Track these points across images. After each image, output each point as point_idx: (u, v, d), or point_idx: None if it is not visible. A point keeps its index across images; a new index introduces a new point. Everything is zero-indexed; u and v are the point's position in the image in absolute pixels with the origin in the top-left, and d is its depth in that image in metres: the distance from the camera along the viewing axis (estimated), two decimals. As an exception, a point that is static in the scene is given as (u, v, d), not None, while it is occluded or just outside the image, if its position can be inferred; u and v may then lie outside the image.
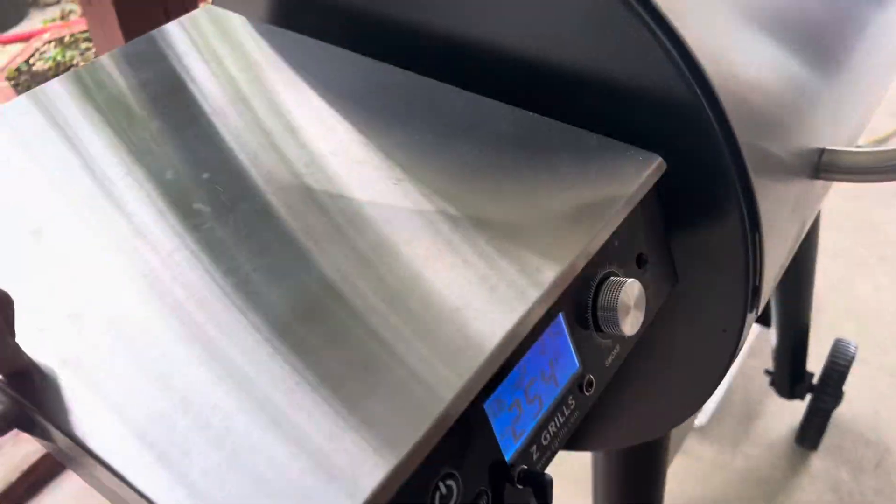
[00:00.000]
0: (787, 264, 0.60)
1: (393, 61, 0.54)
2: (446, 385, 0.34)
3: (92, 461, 0.34)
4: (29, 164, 0.49)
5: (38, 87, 0.56)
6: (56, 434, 0.36)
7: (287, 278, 0.40)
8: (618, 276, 0.44)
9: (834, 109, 0.61)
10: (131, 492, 0.32)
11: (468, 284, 0.39)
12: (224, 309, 0.38)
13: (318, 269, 0.40)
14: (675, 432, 0.93)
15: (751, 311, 0.54)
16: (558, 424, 0.42)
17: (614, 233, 0.43)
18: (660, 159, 0.46)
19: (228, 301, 0.39)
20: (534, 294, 0.38)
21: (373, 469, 0.31)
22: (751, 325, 0.56)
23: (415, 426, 0.33)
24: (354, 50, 0.56)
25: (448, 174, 0.46)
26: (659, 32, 0.46)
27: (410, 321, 0.37)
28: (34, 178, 0.48)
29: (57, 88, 0.55)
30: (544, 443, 0.41)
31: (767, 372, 1.44)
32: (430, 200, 0.44)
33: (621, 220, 0.43)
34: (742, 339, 0.56)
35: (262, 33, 0.59)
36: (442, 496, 0.35)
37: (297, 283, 0.39)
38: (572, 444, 0.70)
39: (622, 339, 0.46)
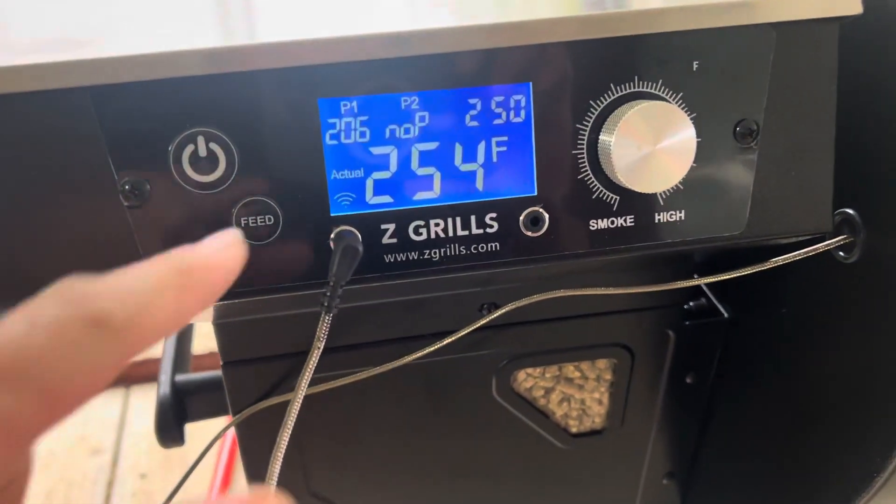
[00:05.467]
0: None
1: None
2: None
3: None
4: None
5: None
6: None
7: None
8: (656, 99, 0.28)
9: None
10: None
11: None
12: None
13: None
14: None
15: None
16: (455, 236, 0.28)
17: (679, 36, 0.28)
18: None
19: None
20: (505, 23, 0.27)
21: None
22: None
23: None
24: None
25: None
26: None
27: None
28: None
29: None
30: (416, 238, 0.28)
31: None
32: None
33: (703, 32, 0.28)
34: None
35: None
36: (201, 156, 0.26)
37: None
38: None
39: (630, 195, 0.29)
